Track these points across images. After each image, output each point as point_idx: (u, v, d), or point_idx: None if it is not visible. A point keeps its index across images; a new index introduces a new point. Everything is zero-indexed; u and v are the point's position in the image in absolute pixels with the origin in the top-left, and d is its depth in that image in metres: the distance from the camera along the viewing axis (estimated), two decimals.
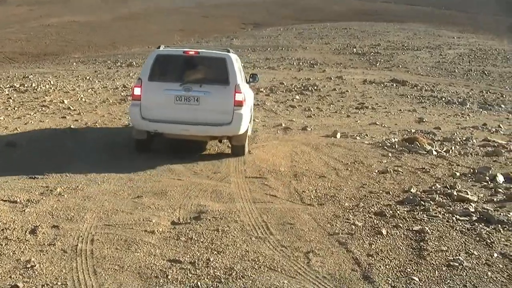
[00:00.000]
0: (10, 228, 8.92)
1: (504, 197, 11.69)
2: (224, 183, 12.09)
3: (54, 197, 10.66)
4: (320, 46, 58.82)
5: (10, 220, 9.29)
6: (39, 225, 9.06)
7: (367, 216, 10.16)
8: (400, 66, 45.56)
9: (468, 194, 11.66)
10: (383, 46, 58.72)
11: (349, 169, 14.00)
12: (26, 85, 28.71)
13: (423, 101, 29.76)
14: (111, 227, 9.12)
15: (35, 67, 44.43)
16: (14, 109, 21.62)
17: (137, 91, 13.71)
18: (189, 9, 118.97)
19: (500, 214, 10.42)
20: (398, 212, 10.38)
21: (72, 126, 18.24)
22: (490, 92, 34.67)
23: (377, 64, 46.07)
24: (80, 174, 12.36)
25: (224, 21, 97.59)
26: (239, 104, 13.55)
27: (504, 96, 33.39)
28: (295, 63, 44.79)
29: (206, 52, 14.66)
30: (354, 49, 55.49)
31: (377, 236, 9.16)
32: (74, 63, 46.76)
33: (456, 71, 44.42)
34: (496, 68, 46.92)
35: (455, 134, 20.42)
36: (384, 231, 9.30)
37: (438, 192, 11.87)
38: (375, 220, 9.92)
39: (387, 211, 10.42)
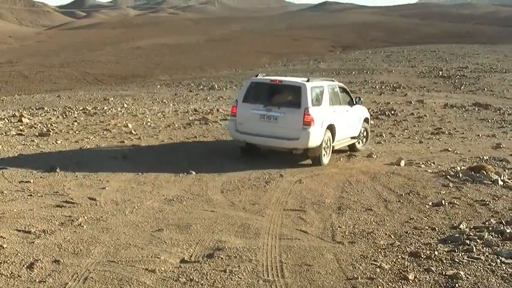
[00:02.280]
0: (8, 262, 8.57)
1: None
2: (258, 216, 11.45)
3: (72, 228, 10.28)
4: (406, 69, 57.82)
5: (13, 252, 8.95)
6: (39, 259, 8.67)
7: (399, 257, 9.34)
8: (485, 89, 44.15)
9: None
10: (470, 68, 57.30)
11: (401, 200, 13.21)
12: (98, 108, 28.84)
13: (504, 125, 28.57)
14: (113, 264, 8.61)
15: (120, 89, 45.11)
16: (75, 132, 21.58)
17: (233, 109, 17.53)
18: (280, 32, 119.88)
19: None
20: (436, 252, 9.52)
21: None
22: None
23: (462, 87, 44.79)
24: (111, 204, 11.94)
25: (313, 44, 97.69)
26: (307, 123, 16.26)
27: None
28: (377, 87, 43.95)
29: (287, 81, 17.43)
30: (440, 72, 54.24)
31: (400, 282, 8.33)
32: (158, 86, 47.19)
33: None
34: None
35: None
36: (411, 276, 8.46)
37: (490, 228, 10.94)
38: (406, 262, 9.10)
39: (424, 251, 9.58)
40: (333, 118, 17.56)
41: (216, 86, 44.77)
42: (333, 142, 17.73)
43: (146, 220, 10.84)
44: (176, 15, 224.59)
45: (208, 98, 35.77)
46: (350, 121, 19.08)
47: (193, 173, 15.08)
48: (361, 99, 20.36)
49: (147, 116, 26.39)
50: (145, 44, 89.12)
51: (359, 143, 20.16)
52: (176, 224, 10.65)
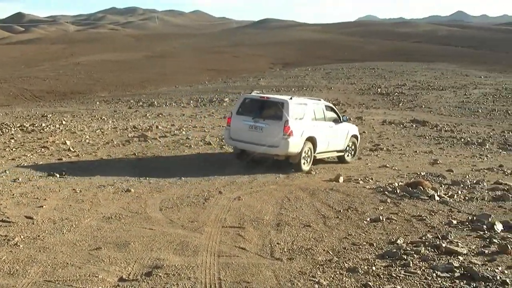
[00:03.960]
0: None
1: (497, 249, 10.89)
2: (196, 233, 11.39)
3: (8, 247, 10.08)
4: (346, 86, 58.41)
5: None
6: None
7: (337, 272, 9.39)
8: (423, 106, 44.89)
9: (458, 246, 10.93)
10: (408, 86, 58.22)
11: (340, 217, 13.30)
12: (36, 125, 28.43)
13: (441, 142, 29.14)
14: (50, 284, 8.48)
15: (58, 106, 44.52)
16: (12, 149, 21.24)
17: (229, 120, 20.31)
18: (221, 49, 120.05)
19: (487, 269, 9.65)
20: (373, 267, 9.61)
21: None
22: None
23: (400, 104, 45.45)
24: (49, 222, 11.77)
25: (254, 61, 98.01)
26: (287, 134, 18.87)
27: None
28: None
29: (273, 97, 20.31)
30: (379, 89, 54.98)
31: None
32: (98, 102, 46.74)
33: (480, 111, 43.67)
34: None
35: (467, 176, 19.85)
36: None
37: (427, 243, 11.12)
38: (344, 278, 9.15)
39: (362, 266, 9.67)
40: (314, 132, 20.05)
41: (155, 102, 44.54)
42: (314, 152, 20.29)
43: (84, 239, 10.69)
44: (116, 31, 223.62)
45: (148, 115, 35.56)
46: (334, 136, 21.48)
47: (132, 190, 14.96)
48: (348, 117, 23.48)
49: (85, 133, 26.12)
50: (85, 60, 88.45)
51: (348, 155, 22.76)
52: (114, 242, 10.53)
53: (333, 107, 22.68)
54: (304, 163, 19.85)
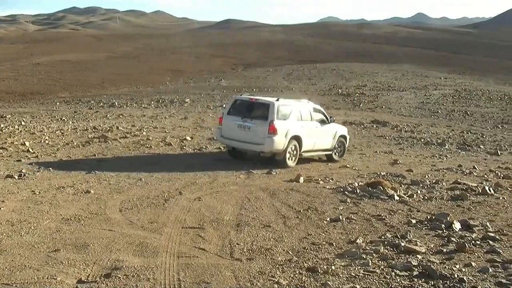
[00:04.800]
0: None
1: (455, 247, 11.02)
2: (156, 234, 11.31)
3: None
4: (307, 86, 58.67)
5: None
6: None
7: (297, 272, 9.40)
8: (383, 106, 45.23)
9: (416, 245, 11.03)
10: (369, 86, 58.66)
11: (300, 217, 13.33)
12: None
13: (401, 142, 29.40)
14: (7, 287, 8.35)
15: (18, 107, 44.06)
16: None
17: (220, 120, 21.91)
18: (182, 49, 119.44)
19: (445, 267, 9.79)
20: (333, 267, 9.63)
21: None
22: (471, 133, 34.40)
23: (361, 105, 45.77)
24: (7, 224, 11.61)
25: (215, 62, 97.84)
26: (271, 132, 20.29)
27: (484, 136, 33.12)
28: None
29: (260, 99, 21.77)
30: (340, 90, 55.31)
31: None
32: (58, 103, 46.38)
33: (439, 111, 44.19)
34: (478, 109, 46.78)
35: (426, 176, 20.06)
36: None
37: (386, 242, 11.22)
38: (303, 277, 9.16)
39: (322, 266, 9.69)
40: (299, 131, 21.33)
41: (116, 103, 44.34)
42: (300, 150, 21.61)
43: (43, 241, 10.55)
44: (77, 31, 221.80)
45: (108, 115, 35.37)
46: (321, 136, 22.72)
47: (92, 192, 14.84)
48: (333, 118, 24.40)
49: (45, 134, 25.88)
50: (45, 61, 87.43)
51: (336, 154, 23.85)
52: (74, 244, 10.41)
53: (321, 108, 23.86)
54: (289, 160, 21.24)
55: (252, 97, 22.47)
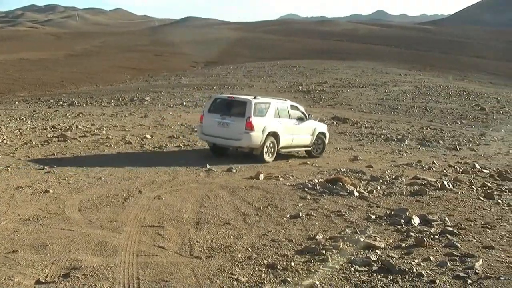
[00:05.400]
0: None
1: (414, 242, 11.14)
2: (115, 233, 11.23)
3: None
4: (267, 84, 58.69)
5: None
6: None
7: (256, 269, 9.41)
8: (343, 103, 45.44)
9: (376, 240, 11.12)
10: (329, 83, 58.88)
11: (259, 214, 13.35)
12: None
13: (361, 138, 29.60)
14: None
15: None
16: None
17: (201, 118, 22.74)
18: (142, 47, 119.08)
19: (403, 262, 9.87)
20: (292, 263, 9.66)
21: None
22: (430, 128, 34.72)
23: (321, 102, 45.92)
24: None
25: (176, 60, 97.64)
26: (248, 128, 21.13)
27: (443, 132, 33.46)
28: None
29: (238, 97, 22.70)
30: (300, 87, 55.46)
31: None
32: (16, 102, 45.76)
33: (399, 107, 44.54)
34: (438, 105, 47.24)
35: (386, 172, 20.26)
36: None
37: (345, 238, 11.26)
38: (263, 274, 9.17)
39: (281, 262, 9.70)
40: (276, 127, 22.19)
41: (76, 102, 43.86)
42: (278, 146, 22.40)
43: (0, 242, 10.40)
44: (36, 29, 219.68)
45: (68, 114, 34.99)
46: (299, 132, 23.50)
47: (51, 191, 14.69)
48: (311, 115, 25.29)
49: (3, 133, 25.49)
50: (3, 59, 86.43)
51: (316, 151, 24.73)
52: (32, 245, 10.27)
53: (299, 106, 24.58)
54: (266, 155, 22.04)
55: (230, 95, 23.89)
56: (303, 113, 24.14)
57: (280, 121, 22.51)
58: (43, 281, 8.62)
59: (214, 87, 54.92)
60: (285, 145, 23.01)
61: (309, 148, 24.42)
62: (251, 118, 21.31)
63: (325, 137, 25.18)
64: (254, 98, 22.10)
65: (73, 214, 12.64)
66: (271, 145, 22.13)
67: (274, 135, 22.15)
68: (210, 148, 23.31)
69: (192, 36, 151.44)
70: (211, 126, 22.07)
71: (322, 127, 25.28)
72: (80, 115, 34.61)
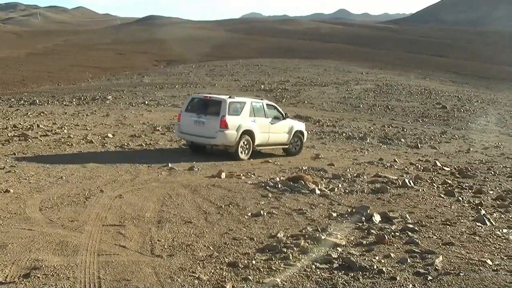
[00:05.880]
0: None
1: (375, 239, 11.27)
2: (76, 232, 11.15)
3: None
4: (229, 83, 58.72)
5: None
6: None
7: (217, 267, 9.42)
8: (306, 102, 45.61)
9: (337, 238, 11.21)
10: (291, 82, 59.06)
11: (221, 212, 13.36)
12: None
13: (323, 136, 29.75)
14: None
15: None
16: None
17: (179, 117, 23.52)
18: (104, 46, 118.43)
19: (364, 259, 9.98)
20: (254, 261, 9.70)
21: None
22: (392, 127, 35.02)
23: (283, 100, 46.03)
24: None
25: (138, 58, 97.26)
26: (223, 127, 21.76)
27: (405, 130, 33.78)
28: None
29: (213, 96, 23.58)
30: (262, 86, 55.56)
31: None
32: None
33: (361, 106, 44.85)
34: (399, 103, 47.67)
35: (348, 170, 20.41)
36: (228, 286, 8.55)
37: (307, 236, 11.35)
38: (224, 272, 9.19)
39: (242, 260, 9.73)
40: (251, 126, 22.78)
41: (37, 101, 43.44)
42: (253, 144, 22.98)
43: None
44: None
45: (29, 113, 34.63)
46: (275, 131, 24.11)
47: (11, 191, 14.53)
48: (288, 114, 25.77)
49: None
50: None
51: (295, 149, 25.33)
52: None
53: (276, 106, 25.56)
54: (241, 153, 22.63)
55: (206, 95, 24.78)
56: (280, 112, 24.75)
57: (255, 119, 23.11)
58: (3, 281, 8.53)
59: (176, 86, 54.84)
60: (260, 143, 23.56)
61: (286, 146, 24.99)
62: (226, 117, 21.89)
63: (303, 135, 25.66)
64: (229, 97, 22.84)
65: (34, 214, 12.52)
66: (246, 143, 22.72)
67: (249, 133, 22.75)
68: (189, 146, 24.10)
69: (154, 35, 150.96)
70: (188, 125, 22.76)
71: (300, 126, 25.84)
72: (42, 114, 34.28)
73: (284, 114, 24.78)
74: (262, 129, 23.37)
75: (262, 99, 25.79)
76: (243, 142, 22.61)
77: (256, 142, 23.15)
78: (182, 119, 23.24)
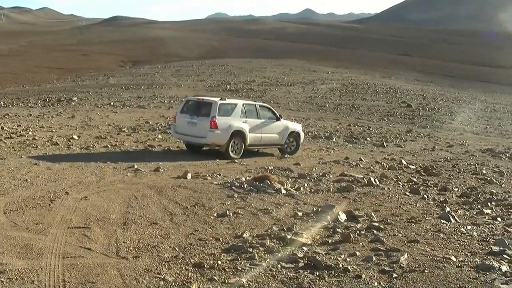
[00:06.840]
0: None
1: (340, 238, 11.36)
2: (41, 235, 11.07)
3: None
4: (195, 83, 58.72)
5: None
6: None
7: (183, 268, 9.43)
8: (271, 101, 45.60)
9: (302, 237, 11.25)
10: (257, 82, 59.14)
11: (187, 213, 13.36)
12: None
13: None
14: None
15: None
16: None
17: (175, 118, 24.80)
18: (69, 47, 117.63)
19: (330, 258, 10.06)
20: (219, 261, 9.73)
21: None
22: (357, 126, 35.23)
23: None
24: None
25: (103, 59, 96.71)
26: (213, 127, 22.73)
27: (370, 129, 34.01)
28: (166, 101, 44.38)
29: (205, 99, 24.36)
30: (228, 86, 55.60)
31: None
32: None
33: (327, 105, 45.05)
34: (365, 102, 47.99)
35: (314, 169, 20.46)
36: (194, 286, 8.60)
37: (272, 236, 11.42)
38: (190, 273, 9.21)
39: (208, 261, 9.75)
40: (242, 127, 23.57)
41: (1, 103, 42.97)
42: (245, 144, 23.80)
43: None
44: None
45: None
46: (268, 131, 24.82)
47: None
48: (281, 115, 26.48)
49: None
50: None
51: (290, 149, 25.85)
52: None
53: (270, 107, 26.47)
54: (232, 152, 23.45)
55: (200, 97, 25.52)
56: (274, 113, 25.51)
57: (247, 120, 23.91)
58: None
59: (142, 87, 54.69)
60: (253, 143, 24.32)
61: (281, 146, 25.68)
62: (216, 117, 22.87)
63: (299, 136, 26.24)
64: (221, 99, 23.83)
65: None
66: (237, 142, 23.60)
67: (240, 133, 23.59)
68: (186, 145, 25.19)
69: (120, 36, 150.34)
70: (182, 126, 23.87)
71: (296, 127, 26.51)
72: (6, 116, 33.92)
73: (278, 115, 25.49)
74: (254, 130, 24.12)
75: (254, 101, 27.53)
76: (234, 142, 23.45)
77: (248, 142, 23.90)
78: (177, 120, 24.30)
